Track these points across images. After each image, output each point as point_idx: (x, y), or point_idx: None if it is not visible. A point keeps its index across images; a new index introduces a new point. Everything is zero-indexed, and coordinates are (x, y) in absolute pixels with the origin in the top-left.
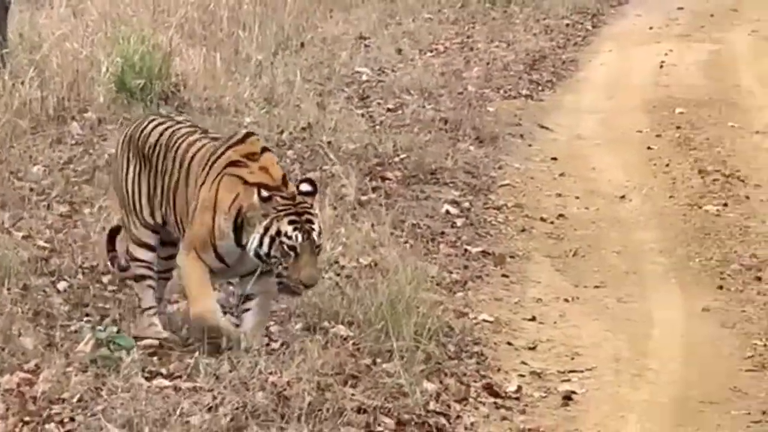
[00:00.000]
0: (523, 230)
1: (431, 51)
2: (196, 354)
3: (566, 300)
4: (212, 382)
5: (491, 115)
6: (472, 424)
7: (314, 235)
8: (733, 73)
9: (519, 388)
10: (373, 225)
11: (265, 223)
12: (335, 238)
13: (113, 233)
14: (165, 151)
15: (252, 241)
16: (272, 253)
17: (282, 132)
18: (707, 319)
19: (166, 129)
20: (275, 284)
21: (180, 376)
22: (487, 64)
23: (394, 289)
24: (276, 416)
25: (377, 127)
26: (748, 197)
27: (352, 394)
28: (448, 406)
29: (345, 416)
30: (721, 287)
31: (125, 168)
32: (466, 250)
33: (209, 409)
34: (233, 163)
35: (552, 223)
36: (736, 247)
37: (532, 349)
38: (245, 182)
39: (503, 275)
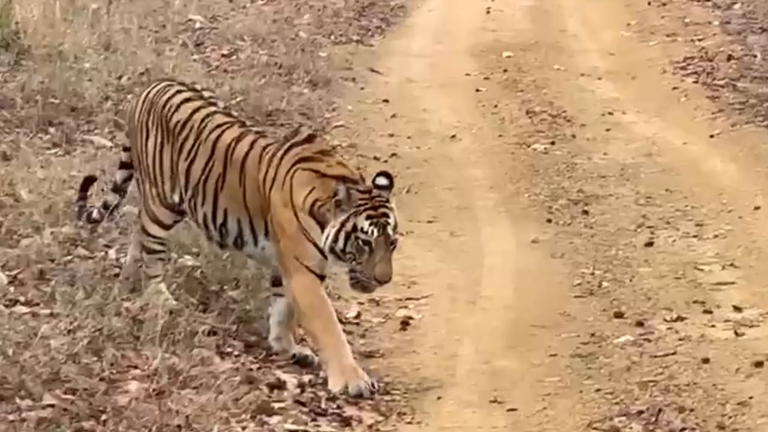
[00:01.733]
0: (358, 168)
1: None
2: (53, 282)
3: (401, 234)
4: (69, 308)
5: (323, 60)
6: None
7: (389, 229)
8: (559, 19)
9: (358, 314)
10: None
11: (341, 218)
12: None
13: (88, 182)
14: (197, 137)
15: (327, 237)
16: (348, 249)
17: (121, 77)
18: (537, 250)
19: (198, 109)
20: None
21: (38, 304)
22: (318, 11)
23: None
24: (131, 339)
25: (213, 71)
26: (574, 136)
27: (203, 319)
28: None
29: (197, 338)
30: (549, 220)
31: (145, 136)
32: None
33: (68, 332)
34: (305, 159)
35: (386, 162)
36: (564, 183)
37: None
38: (322, 175)
39: None
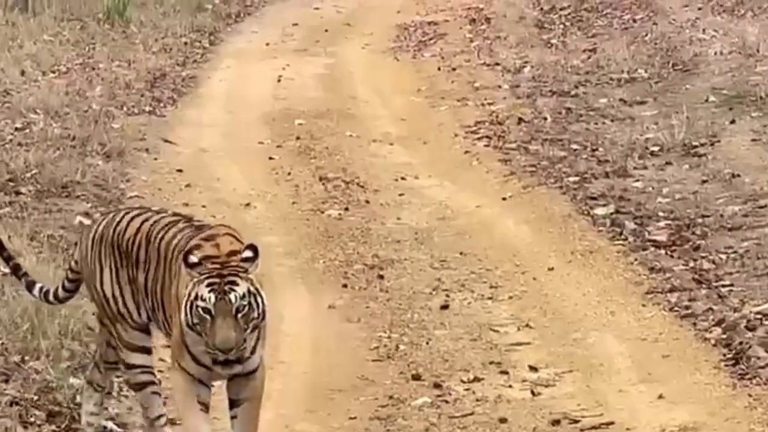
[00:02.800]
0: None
1: (54, 72)
2: None
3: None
4: None
5: (117, 131)
6: (117, 414)
7: (232, 295)
8: (349, 85)
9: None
10: (10, 237)
11: (188, 289)
12: None
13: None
14: (147, 244)
15: (181, 314)
16: (193, 320)
17: None
18: (333, 315)
19: (146, 219)
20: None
21: None
22: (110, 83)
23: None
24: None
25: (7, 145)
26: (368, 201)
27: (4, 390)
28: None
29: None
30: (345, 285)
31: (99, 271)
32: None
33: None
34: (196, 246)
35: None
36: (359, 248)
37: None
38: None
39: None
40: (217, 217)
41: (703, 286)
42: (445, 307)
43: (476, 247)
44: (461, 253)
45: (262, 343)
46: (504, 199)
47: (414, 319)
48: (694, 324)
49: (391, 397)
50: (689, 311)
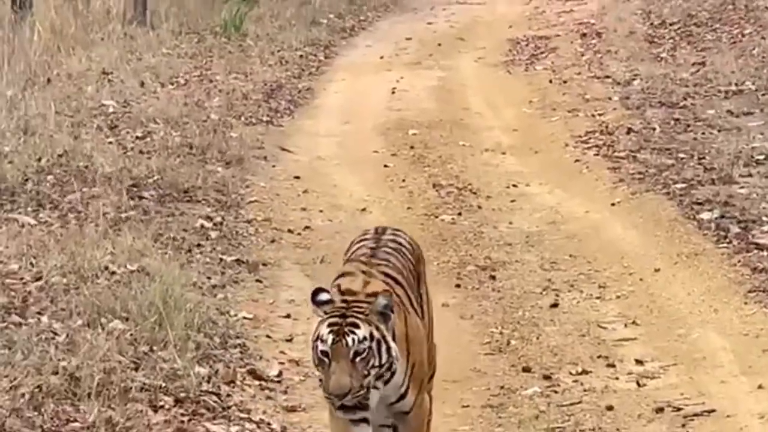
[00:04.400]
0: (273, 241)
1: (172, 84)
2: None
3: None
4: (8, 368)
5: (235, 140)
6: (241, 401)
7: (349, 338)
8: (462, 97)
9: (280, 372)
10: (134, 238)
11: (314, 330)
12: (102, 249)
13: None
14: None
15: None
16: (314, 360)
17: (40, 159)
18: (447, 312)
19: None
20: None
21: None
22: (227, 94)
23: (163, 288)
24: (69, 395)
25: (129, 153)
26: (480, 207)
27: (135, 377)
28: (219, 387)
29: (130, 394)
30: (458, 285)
31: None
32: (221, 259)
33: (9, 390)
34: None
35: (299, 234)
36: (471, 251)
37: (289, 341)
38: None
39: (257, 280)
40: (333, 221)
41: None
42: (554, 305)
43: (585, 250)
44: (571, 256)
45: (416, 385)
46: (613, 204)
47: (525, 316)
48: None
49: (502, 387)
50: None
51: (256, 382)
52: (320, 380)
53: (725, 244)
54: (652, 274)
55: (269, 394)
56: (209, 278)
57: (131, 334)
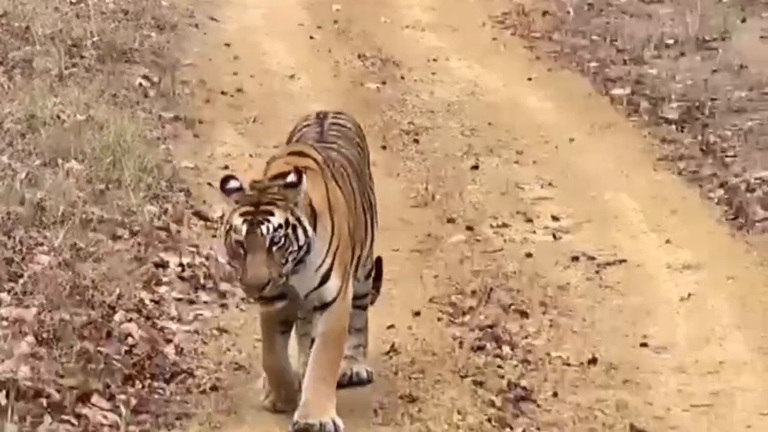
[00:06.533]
0: (208, 101)
1: None
2: None
3: (251, 155)
4: None
5: (167, 8)
6: (189, 237)
7: (264, 227)
8: None
9: (222, 215)
10: (80, 92)
11: (225, 218)
12: (51, 99)
13: None
14: None
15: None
16: (228, 254)
17: None
18: (375, 170)
19: None
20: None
21: None
22: None
23: (115, 133)
24: (36, 223)
25: (65, 16)
26: (403, 78)
27: (94, 211)
28: (168, 224)
29: (92, 225)
30: (384, 147)
31: None
32: (160, 116)
33: None
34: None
35: (232, 96)
36: (396, 117)
37: None
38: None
39: (195, 135)
40: (264, 86)
41: (709, 155)
42: (475, 167)
43: (503, 119)
44: (489, 124)
45: (339, 269)
46: (529, 79)
47: (447, 175)
48: (700, 186)
49: (428, 235)
50: (696, 175)
51: (201, 222)
52: (236, 271)
53: (636, 118)
54: (567, 143)
55: (214, 233)
56: (150, 131)
57: (87, 174)
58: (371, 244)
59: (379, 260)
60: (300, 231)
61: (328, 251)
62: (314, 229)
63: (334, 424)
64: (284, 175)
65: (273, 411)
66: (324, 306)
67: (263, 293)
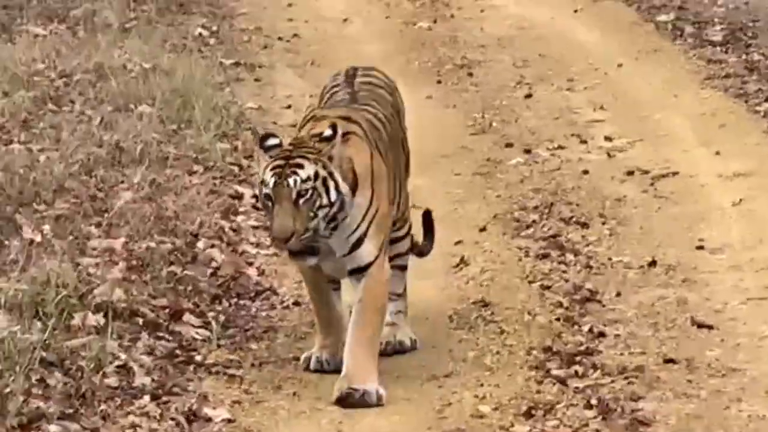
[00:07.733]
0: (265, 47)
1: None
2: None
3: (311, 96)
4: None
5: None
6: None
7: (291, 180)
8: None
9: None
10: (143, 43)
11: (260, 174)
12: (116, 51)
13: None
14: None
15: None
16: (261, 206)
17: None
18: (432, 102)
19: None
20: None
21: (30, 142)
22: None
23: (184, 76)
24: (115, 163)
25: None
26: (453, 16)
27: (168, 150)
28: (239, 160)
29: (168, 162)
30: (439, 81)
31: None
32: (221, 62)
33: (62, 159)
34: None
35: (288, 41)
36: (448, 53)
37: (294, 126)
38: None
39: (256, 80)
40: (318, 30)
41: (754, 72)
42: (528, 96)
43: (553, 50)
44: (540, 55)
45: (376, 238)
46: (575, 11)
47: (503, 104)
48: (746, 101)
49: (488, 159)
50: (742, 91)
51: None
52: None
53: (681, 42)
54: (616, 69)
55: None
56: (213, 77)
57: (159, 116)
58: (404, 205)
59: (428, 213)
60: (332, 185)
61: (364, 217)
62: (353, 194)
63: (377, 392)
64: (322, 133)
65: (321, 372)
66: (360, 270)
67: (289, 246)
